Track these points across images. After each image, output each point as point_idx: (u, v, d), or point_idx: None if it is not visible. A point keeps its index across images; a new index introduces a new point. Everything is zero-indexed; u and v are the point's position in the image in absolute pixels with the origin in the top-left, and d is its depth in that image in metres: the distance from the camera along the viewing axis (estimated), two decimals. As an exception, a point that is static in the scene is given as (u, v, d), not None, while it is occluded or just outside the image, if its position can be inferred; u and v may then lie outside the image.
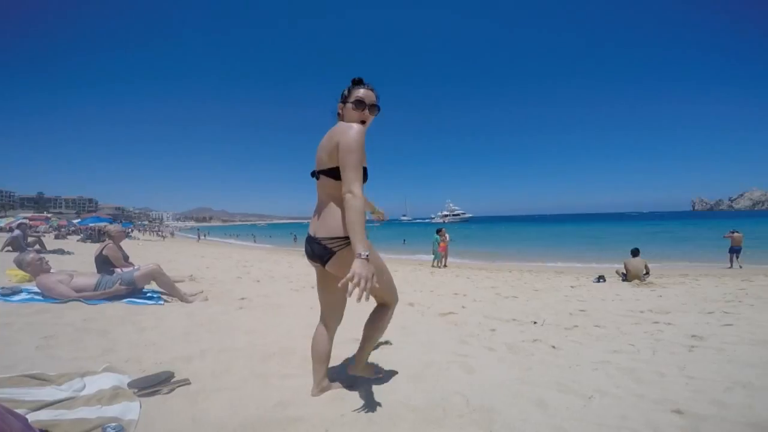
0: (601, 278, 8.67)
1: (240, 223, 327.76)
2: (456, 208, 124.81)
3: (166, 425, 1.75)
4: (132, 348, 2.75)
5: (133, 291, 4.29)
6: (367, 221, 1.84)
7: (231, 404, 1.94)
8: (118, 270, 4.71)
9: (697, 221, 72.81)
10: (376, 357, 2.76)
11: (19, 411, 1.63)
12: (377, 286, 1.56)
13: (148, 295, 4.41)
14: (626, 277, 8.49)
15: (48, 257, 4.96)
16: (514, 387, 2.23)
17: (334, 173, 1.76)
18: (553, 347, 3.12)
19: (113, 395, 1.89)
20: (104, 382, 2.04)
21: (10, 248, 10.63)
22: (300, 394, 2.06)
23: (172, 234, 51.72)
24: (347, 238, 1.69)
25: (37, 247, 10.80)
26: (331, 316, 2.07)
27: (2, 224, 27.01)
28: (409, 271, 10.84)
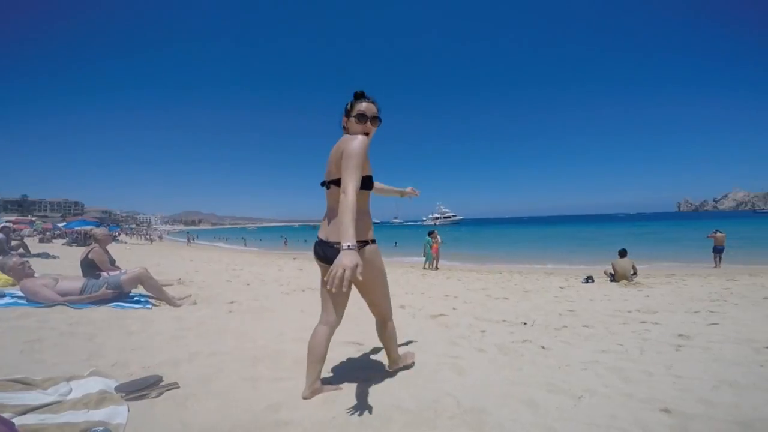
0: (589, 279, 8.77)
1: (230, 226, 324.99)
2: (447, 210, 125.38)
3: (155, 429, 1.73)
4: (119, 352, 2.70)
5: (120, 295, 4.22)
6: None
7: (221, 408, 1.92)
8: (104, 274, 4.63)
9: (683, 222, 74.17)
10: (367, 359, 2.76)
11: (5, 415, 1.60)
12: (360, 278, 1.56)
13: (135, 299, 4.35)
14: (614, 277, 8.60)
15: (32, 261, 4.87)
16: (505, 388, 2.24)
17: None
18: (543, 348, 3.15)
19: (100, 399, 1.86)
20: (91, 386, 2.00)
21: (-8, 252, 10.39)
22: (291, 398, 2.05)
23: (160, 237, 50.96)
24: (360, 241, 1.82)
25: (20, 251, 10.56)
26: (332, 316, 2.10)
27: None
28: (401, 274, 10.85)
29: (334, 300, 2.06)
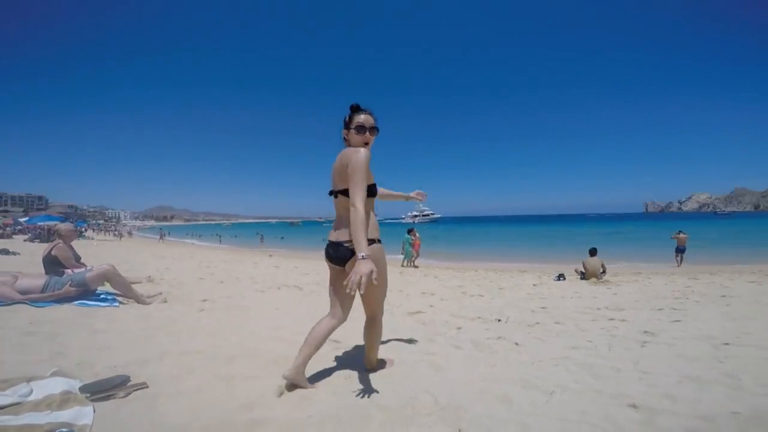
0: (561, 276, 9.01)
1: (204, 222, 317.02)
2: (425, 208, 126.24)
3: (123, 430, 1.67)
4: (83, 351, 2.59)
5: (85, 293, 4.05)
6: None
7: (193, 408, 1.87)
8: (68, 271, 4.43)
9: (649, 222, 77.20)
10: (346, 357, 2.74)
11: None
12: (375, 283, 1.76)
13: (102, 296, 4.18)
14: (584, 275, 8.86)
15: (-11, 257, 4.60)
16: (480, 384, 2.27)
17: (348, 192, 2.01)
18: (517, 344, 3.21)
19: (64, 400, 1.78)
20: (53, 386, 1.91)
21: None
22: (266, 396, 2.01)
23: (130, 234, 49.24)
24: (367, 240, 1.94)
25: (-23, 246, 10.02)
26: (339, 312, 2.21)
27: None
28: (378, 271, 10.84)
29: (342, 299, 2.19)
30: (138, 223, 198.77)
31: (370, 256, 1.82)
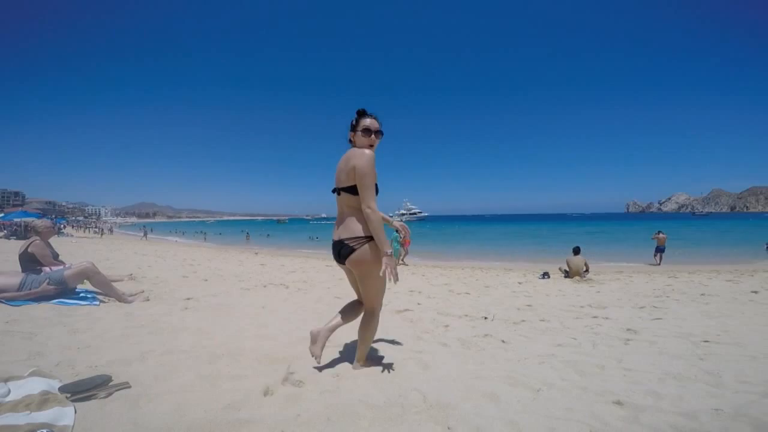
0: (545, 275, 9.13)
1: (187, 219, 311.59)
2: (413, 207, 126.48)
3: (105, 430, 1.62)
4: (63, 351, 2.52)
5: (64, 291, 3.94)
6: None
7: (176, 408, 1.82)
8: (46, 269, 4.29)
9: (631, 222, 78.91)
10: (334, 355, 2.72)
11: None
12: (397, 280, 2.12)
13: (81, 295, 4.07)
14: (568, 273, 8.99)
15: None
16: (468, 381, 2.28)
17: (352, 190, 2.18)
18: (503, 342, 3.24)
19: (43, 400, 1.72)
20: (32, 387, 1.85)
21: None
22: (252, 396, 1.98)
23: (111, 230, 48.08)
24: (364, 237, 2.18)
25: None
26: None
27: None
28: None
29: (358, 292, 2.49)
30: (119, 219, 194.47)
31: (392, 253, 2.14)
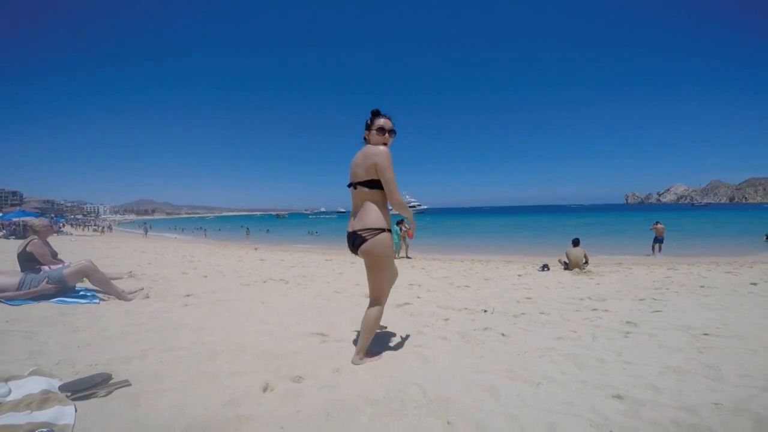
0: (545, 267, 9.14)
1: (186, 215, 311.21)
2: (412, 200, 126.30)
3: (106, 428, 1.62)
4: (63, 350, 2.52)
5: (63, 290, 3.94)
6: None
7: (177, 405, 1.82)
8: (44, 268, 4.29)
9: (630, 213, 78.98)
10: (333, 350, 2.73)
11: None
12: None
13: (81, 293, 4.07)
14: (568, 265, 9.00)
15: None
16: (468, 375, 2.28)
17: (369, 184, 2.38)
18: (503, 335, 3.24)
19: (43, 399, 1.72)
20: (32, 386, 1.85)
21: None
22: (251, 393, 1.98)
23: (110, 228, 48.02)
24: (377, 229, 2.36)
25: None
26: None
27: None
28: (365, 264, 10.81)
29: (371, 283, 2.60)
30: (118, 217, 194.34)
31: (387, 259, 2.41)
